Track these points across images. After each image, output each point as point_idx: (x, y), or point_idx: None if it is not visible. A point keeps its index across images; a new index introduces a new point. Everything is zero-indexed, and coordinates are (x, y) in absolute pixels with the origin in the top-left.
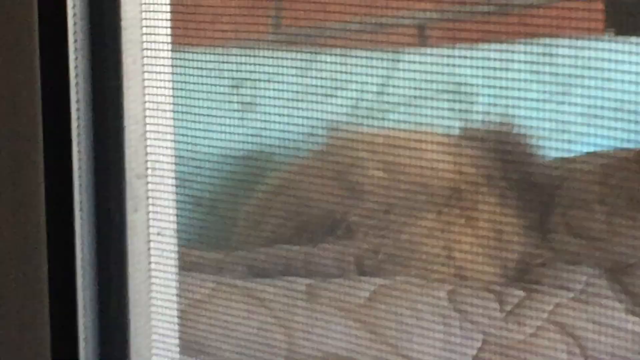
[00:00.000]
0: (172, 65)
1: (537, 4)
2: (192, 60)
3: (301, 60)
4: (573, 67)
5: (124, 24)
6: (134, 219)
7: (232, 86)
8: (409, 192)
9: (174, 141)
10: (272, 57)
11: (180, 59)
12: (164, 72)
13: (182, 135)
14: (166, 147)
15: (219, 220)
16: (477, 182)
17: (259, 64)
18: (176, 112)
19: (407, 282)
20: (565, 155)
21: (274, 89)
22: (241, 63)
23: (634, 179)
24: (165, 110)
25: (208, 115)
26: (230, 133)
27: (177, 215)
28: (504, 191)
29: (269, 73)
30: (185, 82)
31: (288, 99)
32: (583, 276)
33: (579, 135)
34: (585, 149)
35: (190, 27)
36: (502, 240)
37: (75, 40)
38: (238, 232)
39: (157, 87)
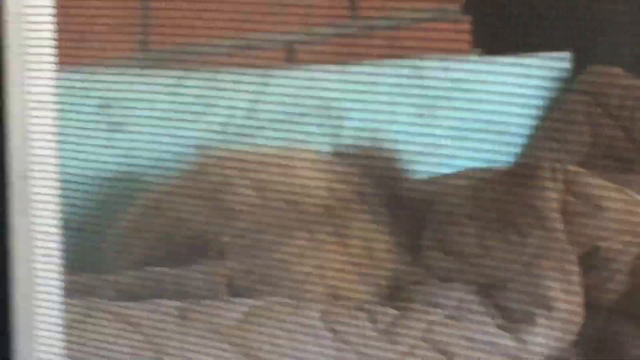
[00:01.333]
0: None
1: (404, 25)
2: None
3: (170, 80)
4: (441, 85)
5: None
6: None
7: (101, 106)
8: (281, 211)
9: (58, 149)
10: (141, 77)
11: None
12: (46, 86)
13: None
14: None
15: (88, 242)
16: (349, 200)
17: (128, 84)
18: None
19: (280, 303)
20: (436, 173)
21: (143, 109)
22: (109, 82)
23: (502, 196)
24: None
25: (76, 135)
26: (99, 154)
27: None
28: (376, 209)
29: (138, 92)
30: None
31: (158, 119)
32: (456, 293)
33: (448, 153)
34: (456, 168)
35: (61, 46)
36: (374, 258)
37: None
38: (108, 254)
39: (39, 93)
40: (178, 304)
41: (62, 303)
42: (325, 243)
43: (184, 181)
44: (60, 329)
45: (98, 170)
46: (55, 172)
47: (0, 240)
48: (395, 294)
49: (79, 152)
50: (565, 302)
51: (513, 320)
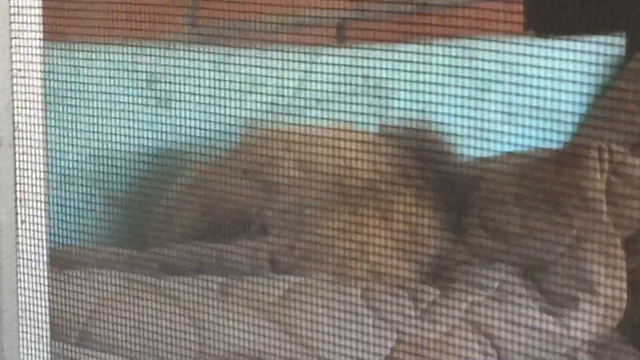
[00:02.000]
0: (73, 58)
1: (457, 4)
2: (104, 54)
3: (219, 57)
4: (492, 68)
5: None
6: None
7: (148, 81)
8: (324, 189)
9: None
10: (189, 54)
11: (88, 51)
12: (35, 69)
13: (92, 131)
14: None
15: (133, 217)
16: (394, 180)
17: (176, 59)
18: (82, 107)
19: (322, 280)
20: (484, 155)
21: (190, 86)
22: (157, 56)
23: (549, 179)
24: (36, 108)
25: (122, 111)
26: (145, 129)
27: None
28: (421, 190)
29: (185, 68)
30: (95, 77)
31: (205, 96)
32: (498, 275)
33: (497, 135)
34: (504, 149)
35: (105, 23)
36: (418, 238)
37: None
38: (152, 229)
39: (26, 69)
40: (219, 279)
41: (47, 277)
42: (368, 221)
43: (229, 157)
44: (46, 303)
45: (144, 144)
46: (42, 140)
47: None
48: (438, 274)
49: (123, 127)
50: (609, 286)
51: (556, 303)
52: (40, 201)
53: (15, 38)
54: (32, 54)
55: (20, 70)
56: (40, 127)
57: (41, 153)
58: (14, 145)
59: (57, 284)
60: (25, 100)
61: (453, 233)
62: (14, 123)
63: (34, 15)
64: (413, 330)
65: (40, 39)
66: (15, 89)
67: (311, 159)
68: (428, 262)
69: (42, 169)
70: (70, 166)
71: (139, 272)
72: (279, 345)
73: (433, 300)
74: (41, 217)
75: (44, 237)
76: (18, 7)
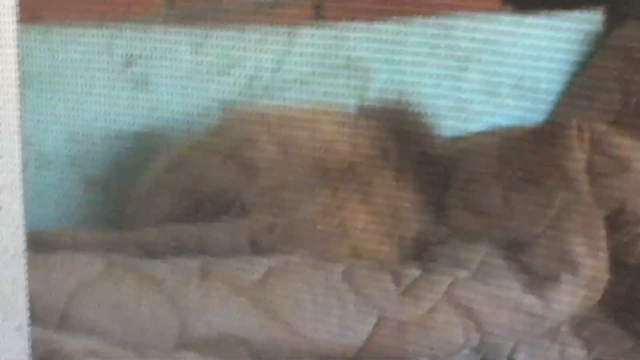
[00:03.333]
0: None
1: None
2: (80, 35)
3: (195, 37)
4: (471, 44)
5: None
6: None
7: (125, 63)
8: (304, 169)
9: (20, 109)
10: (166, 35)
11: (62, 34)
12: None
13: (69, 114)
14: (11, 117)
15: (112, 199)
16: (373, 158)
17: (153, 40)
18: (58, 90)
19: (302, 261)
20: (463, 132)
21: (167, 66)
22: (134, 38)
23: (529, 156)
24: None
25: (99, 93)
26: (122, 111)
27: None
28: (401, 168)
29: (162, 50)
30: (71, 59)
31: (182, 77)
32: (480, 254)
33: (477, 112)
34: (483, 127)
35: (82, 4)
36: (398, 217)
37: None
38: (131, 211)
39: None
40: (199, 261)
41: (25, 262)
42: (348, 201)
43: (207, 138)
44: (24, 294)
45: (122, 126)
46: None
47: None
48: (419, 253)
49: (102, 108)
50: (591, 262)
51: (538, 279)
52: (17, 187)
53: None
54: (6, 38)
55: None
56: (16, 111)
57: (17, 139)
58: None
59: (35, 269)
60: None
61: (434, 212)
62: None
63: None
64: (394, 309)
65: (14, 22)
66: None
67: (290, 139)
68: (409, 241)
69: (18, 155)
70: (49, 149)
71: (118, 254)
72: (260, 325)
73: (414, 279)
74: (17, 203)
75: (21, 223)
76: None
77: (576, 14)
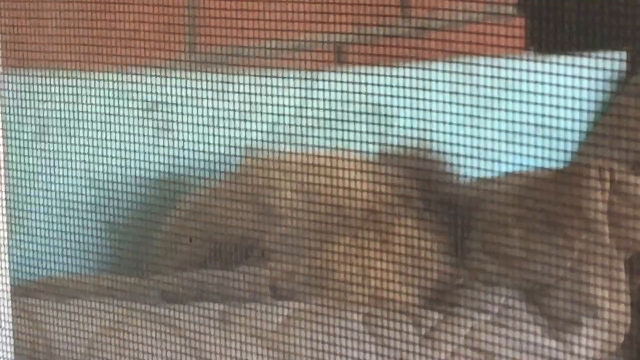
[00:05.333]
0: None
1: (457, 26)
2: (101, 81)
3: (216, 82)
4: (493, 86)
5: None
6: None
7: (146, 109)
8: (324, 215)
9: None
10: (187, 79)
11: (83, 79)
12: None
13: (91, 158)
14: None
15: (132, 245)
16: (394, 203)
17: (174, 87)
18: (79, 136)
19: (322, 306)
20: (484, 175)
21: (188, 112)
22: (155, 85)
23: (550, 199)
24: None
25: (121, 139)
26: (144, 155)
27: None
28: (421, 213)
29: (183, 95)
30: (92, 105)
31: (203, 122)
32: (500, 298)
33: (498, 155)
34: (505, 170)
35: (101, 50)
36: (418, 262)
37: None
38: (151, 257)
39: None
40: (220, 307)
41: (10, 306)
42: (369, 246)
43: (228, 183)
44: (10, 333)
45: (143, 172)
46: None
47: None
48: (440, 298)
49: (123, 154)
50: (612, 306)
51: (558, 324)
52: (4, 237)
53: None
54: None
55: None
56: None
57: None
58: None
59: (55, 315)
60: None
61: (454, 256)
62: None
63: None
64: (415, 355)
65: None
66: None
67: (311, 184)
68: (429, 286)
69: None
70: (70, 195)
71: (138, 300)
72: None
73: (434, 324)
74: (4, 252)
75: (7, 272)
76: None
77: (600, 54)
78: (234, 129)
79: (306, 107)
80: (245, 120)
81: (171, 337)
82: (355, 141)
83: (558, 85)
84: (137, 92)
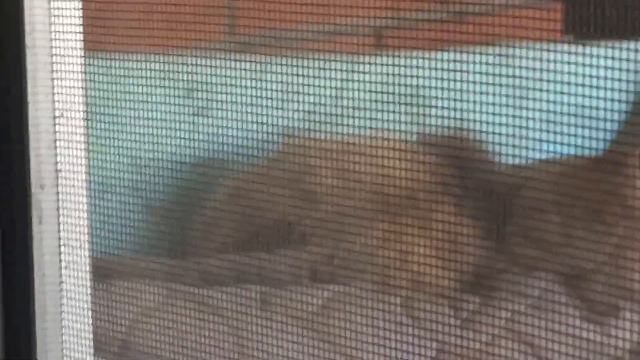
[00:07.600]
0: (103, 73)
1: (495, 11)
2: (142, 65)
3: (256, 65)
4: (531, 73)
5: (28, 28)
6: (39, 230)
7: (187, 89)
8: (364, 198)
9: (87, 150)
10: (228, 63)
11: (125, 63)
12: (76, 79)
13: (131, 141)
14: (78, 157)
15: (173, 228)
16: (433, 189)
17: (215, 68)
18: (121, 117)
19: (362, 290)
20: (523, 162)
21: (228, 95)
22: (195, 66)
23: (589, 186)
24: (77, 119)
25: (162, 120)
26: (183, 139)
27: (91, 227)
28: (460, 198)
29: (224, 77)
30: (134, 86)
31: (243, 105)
32: (540, 283)
33: (536, 142)
34: (543, 156)
35: (144, 33)
36: (457, 247)
37: None
38: (191, 239)
39: (67, 95)
40: (260, 289)
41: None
42: (408, 230)
43: (267, 167)
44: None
45: (183, 154)
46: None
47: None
48: (479, 283)
49: (164, 137)
50: None
51: (597, 311)
52: (83, 217)
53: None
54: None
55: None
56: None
57: (83, 162)
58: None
59: (99, 295)
60: (68, 117)
61: (493, 241)
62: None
63: (75, 32)
64: (454, 339)
65: (82, 54)
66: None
67: (350, 168)
68: (468, 271)
69: (84, 185)
70: (112, 177)
71: (179, 282)
72: (319, 355)
73: (474, 309)
74: (84, 233)
75: (87, 251)
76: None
77: (638, 43)
78: (273, 113)
79: (346, 91)
80: (284, 104)
81: (212, 317)
82: (394, 126)
83: (597, 71)
84: (178, 73)
